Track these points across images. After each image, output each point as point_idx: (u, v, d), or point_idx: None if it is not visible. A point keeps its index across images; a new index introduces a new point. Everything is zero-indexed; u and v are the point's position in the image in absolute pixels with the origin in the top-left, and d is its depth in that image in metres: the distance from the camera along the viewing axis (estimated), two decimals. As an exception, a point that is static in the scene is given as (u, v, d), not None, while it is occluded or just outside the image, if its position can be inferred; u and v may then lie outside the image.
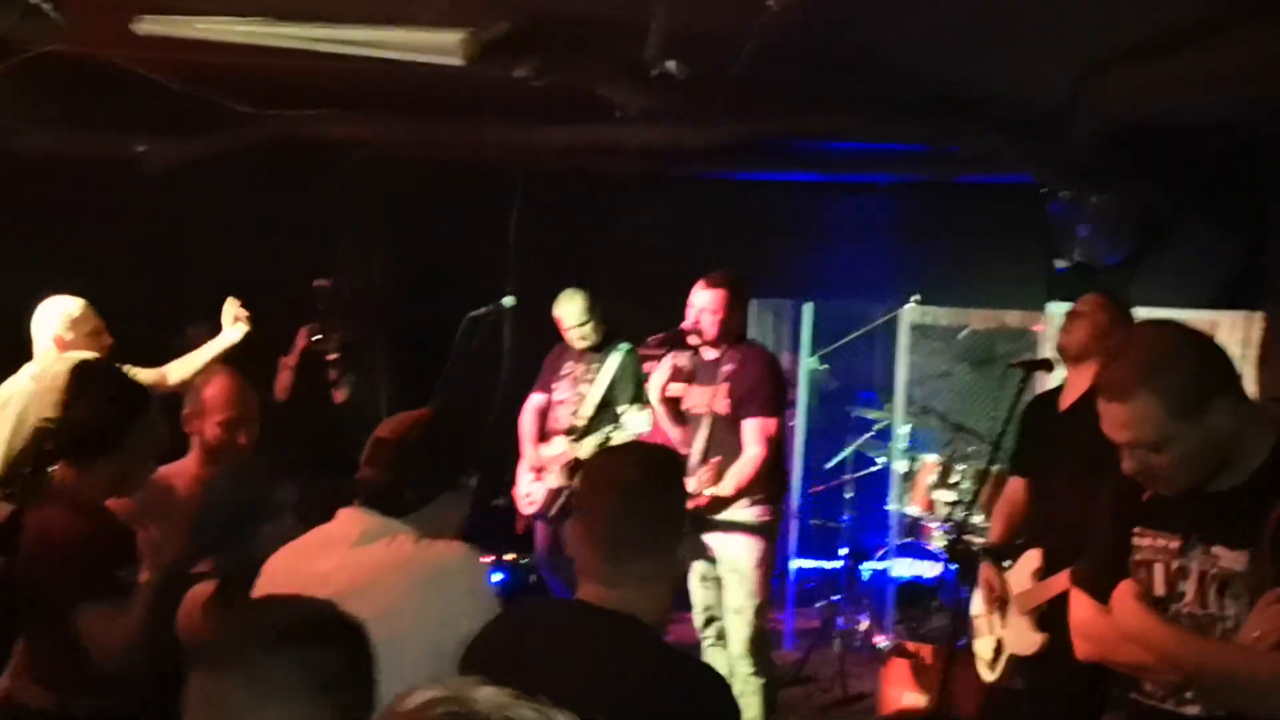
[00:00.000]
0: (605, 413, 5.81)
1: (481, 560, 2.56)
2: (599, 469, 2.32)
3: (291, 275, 7.15)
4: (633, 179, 7.37)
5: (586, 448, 5.72)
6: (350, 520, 2.54)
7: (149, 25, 4.86)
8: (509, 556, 7.01)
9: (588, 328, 5.91)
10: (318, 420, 6.68)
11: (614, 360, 5.90)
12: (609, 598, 2.13)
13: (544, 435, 6.06)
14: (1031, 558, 4.06)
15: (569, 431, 5.91)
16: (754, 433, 4.81)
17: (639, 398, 5.66)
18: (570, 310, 5.92)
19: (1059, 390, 4.28)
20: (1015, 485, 4.41)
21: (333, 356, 6.69)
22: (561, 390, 6.03)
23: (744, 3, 4.23)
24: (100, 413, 3.15)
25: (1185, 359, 2.31)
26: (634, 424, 5.44)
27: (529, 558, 6.71)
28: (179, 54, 5.21)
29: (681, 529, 2.24)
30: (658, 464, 2.31)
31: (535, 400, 6.13)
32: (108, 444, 3.10)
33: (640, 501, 2.17)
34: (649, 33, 4.58)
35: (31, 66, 5.24)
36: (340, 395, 6.79)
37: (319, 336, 6.67)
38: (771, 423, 4.84)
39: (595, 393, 5.89)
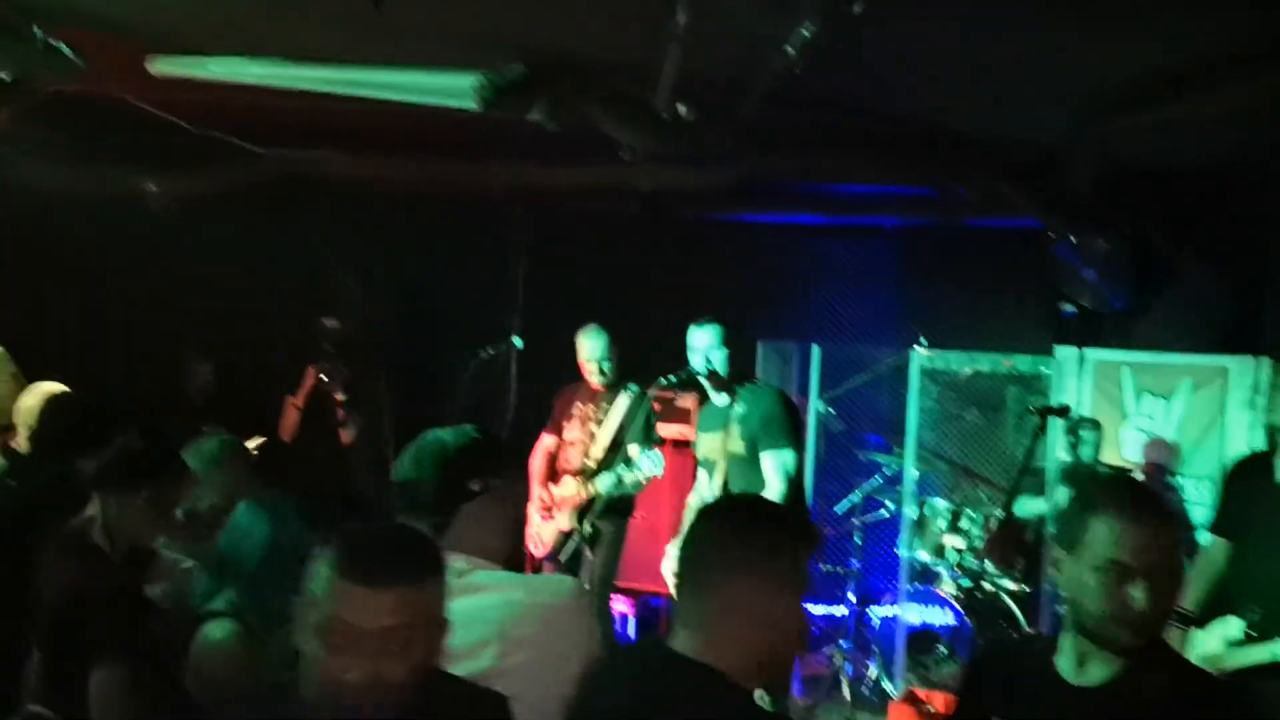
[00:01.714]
0: (616, 453, 5.79)
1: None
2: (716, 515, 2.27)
3: (299, 314, 7.15)
4: (639, 220, 7.38)
5: (597, 488, 5.70)
6: None
7: (163, 66, 4.89)
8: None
9: (608, 364, 5.93)
10: (324, 460, 6.65)
11: (624, 401, 5.89)
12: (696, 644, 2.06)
13: (554, 476, 6.03)
14: (1230, 625, 3.86)
15: (580, 472, 5.89)
16: (772, 467, 4.78)
17: (650, 438, 5.64)
18: (594, 345, 5.94)
19: (1270, 453, 4.15)
20: (1217, 548, 4.18)
21: (340, 396, 6.66)
22: (572, 431, 6.02)
23: (753, 48, 4.26)
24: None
25: None
26: (645, 465, 5.41)
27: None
28: (189, 94, 5.24)
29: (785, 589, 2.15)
30: (772, 522, 2.23)
31: (546, 441, 6.12)
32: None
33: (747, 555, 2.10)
34: (659, 76, 4.60)
35: (42, 104, 5.26)
36: (347, 436, 6.76)
37: (326, 376, 6.65)
38: (788, 455, 4.80)
39: (606, 433, 5.88)
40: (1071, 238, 6.72)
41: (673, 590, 2.18)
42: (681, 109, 5.07)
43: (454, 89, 4.83)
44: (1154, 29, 4.00)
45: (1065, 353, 6.80)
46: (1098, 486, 2.44)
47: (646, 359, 6.09)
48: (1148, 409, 6.79)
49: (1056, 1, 3.75)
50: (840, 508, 7.11)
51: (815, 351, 7.25)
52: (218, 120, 5.80)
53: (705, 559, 2.11)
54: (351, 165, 6.55)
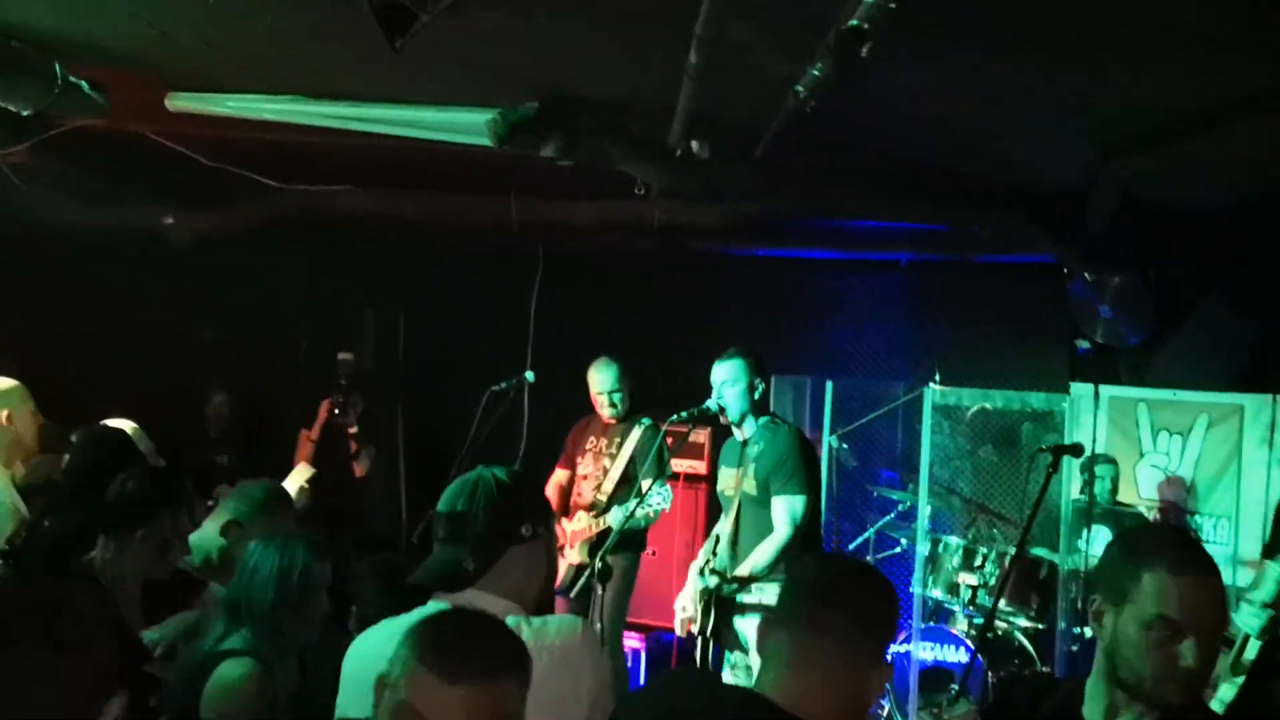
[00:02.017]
0: (627, 487, 5.79)
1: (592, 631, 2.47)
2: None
3: (315, 347, 7.20)
4: (653, 255, 7.41)
5: (608, 522, 5.69)
6: (428, 609, 2.40)
7: (182, 102, 4.95)
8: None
9: (618, 396, 5.93)
10: (338, 493, 6.67)
11: (636, 435, 5.89)
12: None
13: (567, 510, 6.03)
14: None
15: (591, 506, 5.89)
16: (779, 511, 4.73)
17: (662, 473, 5.64)
18: (604, 377, 5.94)
19: None
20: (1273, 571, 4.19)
21: (353, 429, 6.69)
22: (585, 465, 6.03)
23: (769, 88, 4.28)
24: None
25: None
26: (656, 500, 5.40)
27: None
28: (208, 130, 5.30)
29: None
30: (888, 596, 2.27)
31: (558, 475, 6.12)
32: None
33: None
34: (674, 114, 4.63)
35: (60, 140, 5.33)
36: (360, 469, 6.78)
37: (339, 410, 6.67)
38: (798, 501, 4.73)
39: (617, 468, 5.88)
40: (1087, 274, 6.72)
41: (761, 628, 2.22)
42: (695, 146, 5.10)
43: (469, 125, 4.87)
44: (1173, 69, 4.01)
45: (1081, 389, 6.77)
46: (1147, 538, 2.37)
47: (660, 393, 6.11)
48: (1164, 446, 6.76)
49: (1074, 40, 3.76)
50: (854, 544, 7.09)
51: (829, 386, 7.24)
52: (236, 156, 5.86)
53: (817, 616, 2.13)
54: (368, 201, 6.60)
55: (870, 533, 6.99)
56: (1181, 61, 3.94)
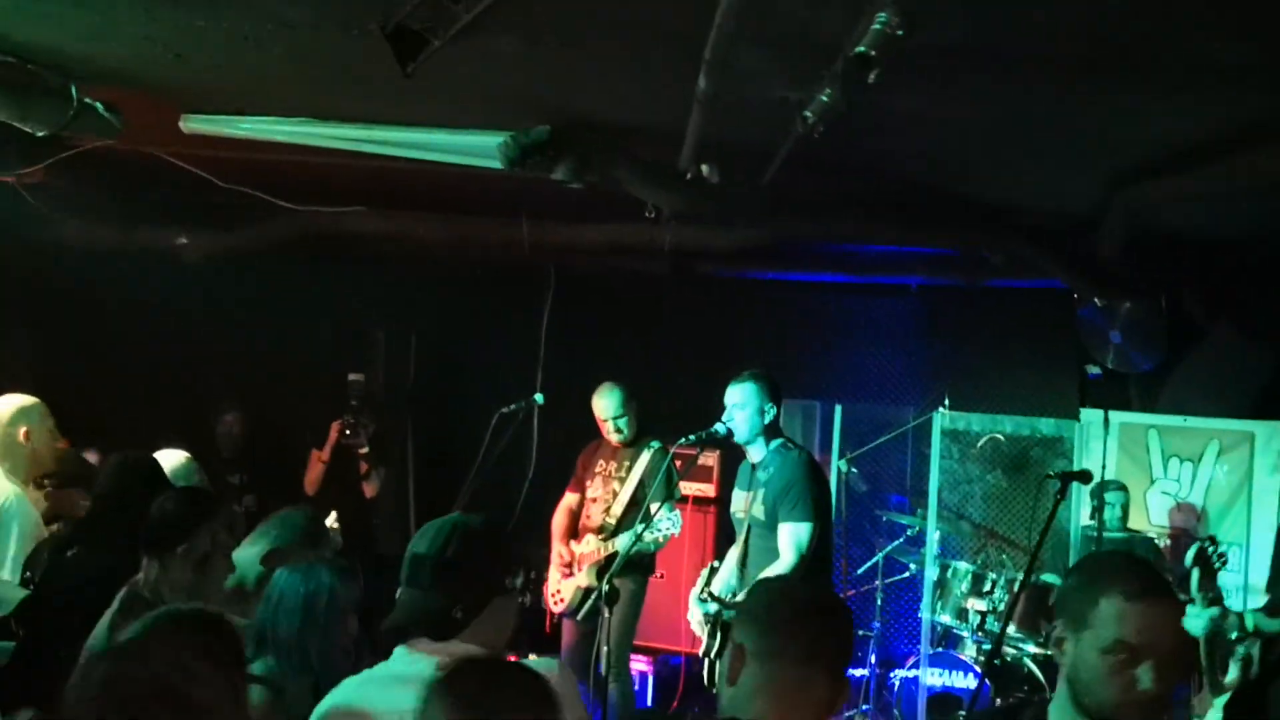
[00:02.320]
0: (636, 510, 5.78)
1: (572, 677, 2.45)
2: None
3: (328, 368, 7.22)
4: (663, 278, 7.43)
5: (617, 545, 5.69)
6: (413, 659, 2.41)
7: (196, 125, 4.99)
8: (531, 657, 6.93)
9: (623, 421, 5.92)
10: (347, 514, 6.67)
11: (645, 458, 5.89)
12: None
13: (576, 533, 6.03)
14: None
15: (600, 529, 5.88)
16: (785, 538, 4.70)
17: (671, 496, 5.63)
18: (607, 404, 5.93)
19: None
20: None
21: (363, 450, 6.70)
22: (594, 488, 6.02)
23: (779, 114, 4.30)
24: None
25: None
26: (665, 525, 5.39)
27: (555, 657, 6.63)
28: (220, 151, 5.34)
29: None
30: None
31: (568, 498, 6.12)
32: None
33: None
34: (684, 139, 4.65)
35: (75, 161, 5.37)
36: (370, 489, 6.79)
37: (350, 431, 6.69)
38: (803, 528, 4.68)
39: (626, 491, 5.87)
40: (1098, 300, 6.71)
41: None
42: (705, 170, 5.12)
43: (481, 148, 4.90)
44: (1184, 97, 4.02)
45: (1091, 415, 6.75)
46: (1104, 565, 2.43)
47: (669, 416, 6.11)
48: (1174, 473, 6.73)
49: (1085, 69, 3.77)
50: (861, 569, 7.07)
51: (838, 410, 7.24)
52: (248, 177, 5.89)
53: (770, 645, 2.17)
54: (379, 222, 6.63)
55: (879, 557, 6.97)
56: (1192, 90, 3.94)
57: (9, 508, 4.21)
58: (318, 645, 3.15)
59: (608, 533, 5.85)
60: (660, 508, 5.41)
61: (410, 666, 2.39)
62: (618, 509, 5.87)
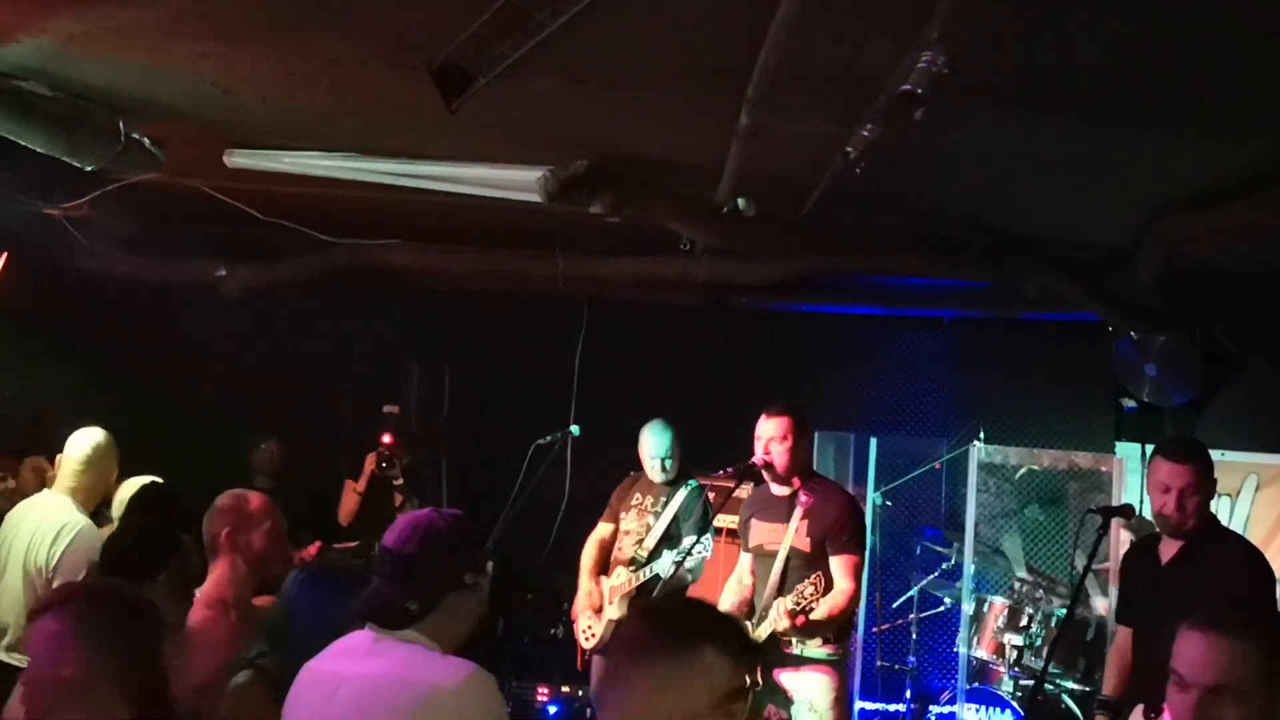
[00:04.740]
0: (668, 545, 5.77)
1: (486, 682, 2.46)
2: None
3: (361, 400, 7.27)
4: (698, 310, 7.44)
5: (652, 573, 5.67)
6: (363, 637, 2.55)
7: (240, 159, 5.06)
8: (565, 688, 6.92)
9: (670, 462, 5.91)
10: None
11: (682, 495, 5.88)
12: None
13: (605, 567, 6.01)
14: (1138, 714, 3.87)
15: (630, 561, 5.87)
16: (844, 568, 4.72)
17: (704, 532, 5.62)
18: (658, 443, 5.91)
19: (1158, 538, 4.12)
20: (1123, 635, 4.24)
21: (398, 482, 6.72)
22: (629, 520, 6.01)
23: (817, 148, 4.33)
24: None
25: None
26: (698, 547, 5.37)
27: (586, 691, 6.64)
28: (261, 184, 5.41)
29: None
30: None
31: (601, 529, 6.10)
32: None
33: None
34: (722, 173, 4.68)
35: (119, 194, 5.46)
36: (404, 520, 6.80)
37: (385, 462, 6.72)
38: (855, 559, 4.77)
39: (660, 525, 5.86)
40: (1133, 333, 6.68)
41: None
42: (742, 204, 5.15)
43: (520, 182, 4.95)
44: (1219, 133, 4.03)
45: (1127, 449, 6.71)
46: None
47: (702, 448, 6.11)
48: (1212, 507, 6.65)
49: (1121, 105, 3.79)
50: (897, 603, 7.03)
51: (873, 443, 7.22)
52: (287, 210, 5.97)
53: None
54: (415, 255, 6.69)
55: (914, 590, 6.93)
56: (1226, 127, 3.95)
57: (83, 535, 4.32)
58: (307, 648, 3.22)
59: (639, 565, 5.84)
60: (697, 539, 5.41)
61: (356, 642, 2.56)
62: (650, 542, 5.86)
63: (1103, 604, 6.20)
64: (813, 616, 4.57)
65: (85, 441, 4.56)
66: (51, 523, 4.35)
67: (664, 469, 5.88)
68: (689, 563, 5.44)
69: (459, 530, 2.59)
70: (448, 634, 2.54)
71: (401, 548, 2.53)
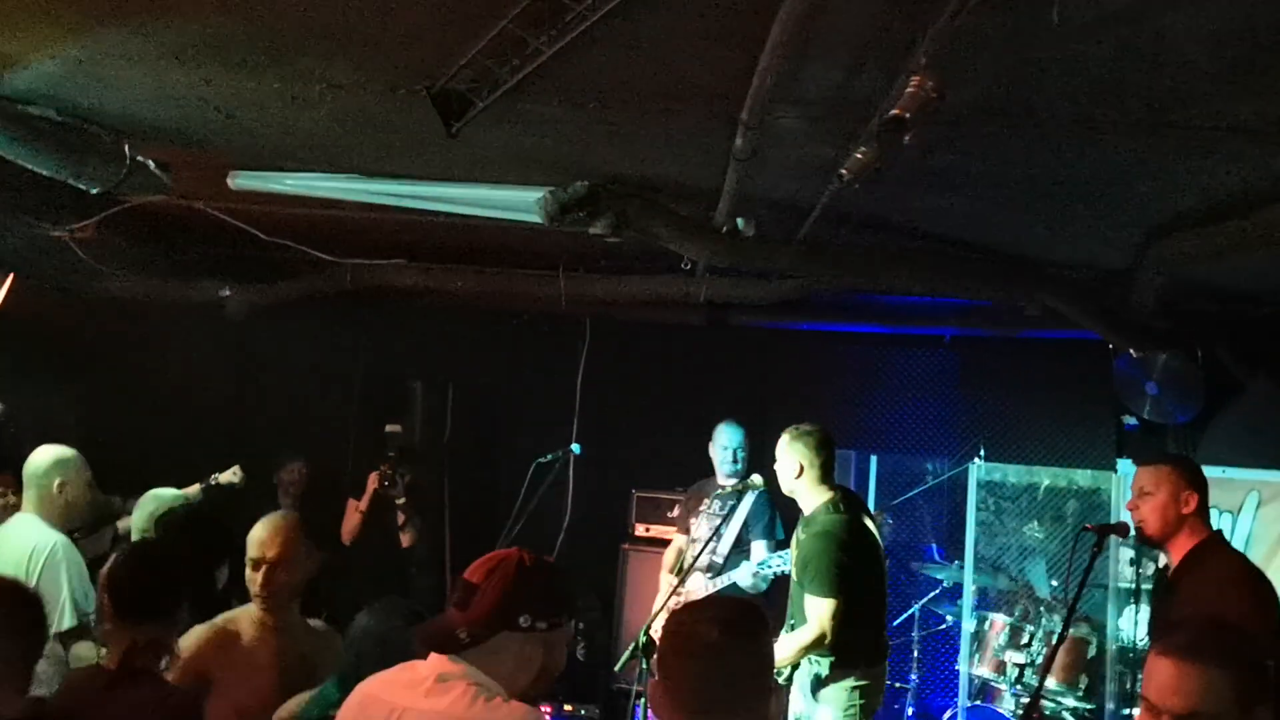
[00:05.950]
0: (740, 550, 5.83)
1: None
2: (677, 629, 2.32)
3: (364, 418, 7.30)
4: (699, 329, 7.48)
5: (731, 582, 5.72)
6: (433, 663, 2.53)
7: (243, 181, 5.11)
8: (568, 707, 6.94)
9: (741, 453, 6.02)
10: (384, 563, 6.72)
11: (749, 500, 5.92)
12: None
13: (682, 574, 6.04)
14: None
15: (708, 569, 5.90)
16: (810, 609, 4.70)
17: (773, 535, 5.71)
18: (732, 434, 6.05)
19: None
20: None
21: (400, 500, 6.75)
22: (699, 528, 6.06)
23: (814, 170, 4.37)
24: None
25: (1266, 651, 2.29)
26: (775, 564, 5.41)
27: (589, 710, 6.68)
28: (265, 205, 5.47)
29: (767, 683, 2.22)
30: (737, 620, 2.31)
31: (677, 540, 6.23)
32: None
33: (722, 660, 2.17)
34: (720, 195, 4.72)
35: (124, 215, 5.51)
36: (407, 539, 6.83)
37: (387, 481, 6.75)
38: (823, 604, 4.63)
39: (731, 531, 5.91)
40: (1133, 351, 6.69)
41: None
42: (741, 224, 5.19)
43: (521, 203, 4.99)
44: (1219, 154, 4.05)
45: (1127, 467, 6.71)
46: None
47: (705, 466, 6.15)
48: (1214, 524, 6.65)
49: (1118, 127, 3.81)
50: (898, 621, 7.03)
51: (873, 461, 7.24)
52: (291, 230, 6.01)
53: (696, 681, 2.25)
54: (418, 275, 6.73)
55: (915, 609, 6.94)
56: (1223, 148, 3.98)
57: (56, 554, 4.28)
58: None
59: (715, 572, 5.88)
60: (763, 546, 5.51)
61: (425, 668, 2.54)
62: (724, 548, 5.93)
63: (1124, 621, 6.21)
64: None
65: (43, 458, 4.52)
66: (20, 547, 4.29)
67: (735, 459, 5.97)
68: (766, 572, 5.48)
69: (535, 572, 2.54)
70: (503, 675, 2.49)
71: (470, 576, 2.54)
